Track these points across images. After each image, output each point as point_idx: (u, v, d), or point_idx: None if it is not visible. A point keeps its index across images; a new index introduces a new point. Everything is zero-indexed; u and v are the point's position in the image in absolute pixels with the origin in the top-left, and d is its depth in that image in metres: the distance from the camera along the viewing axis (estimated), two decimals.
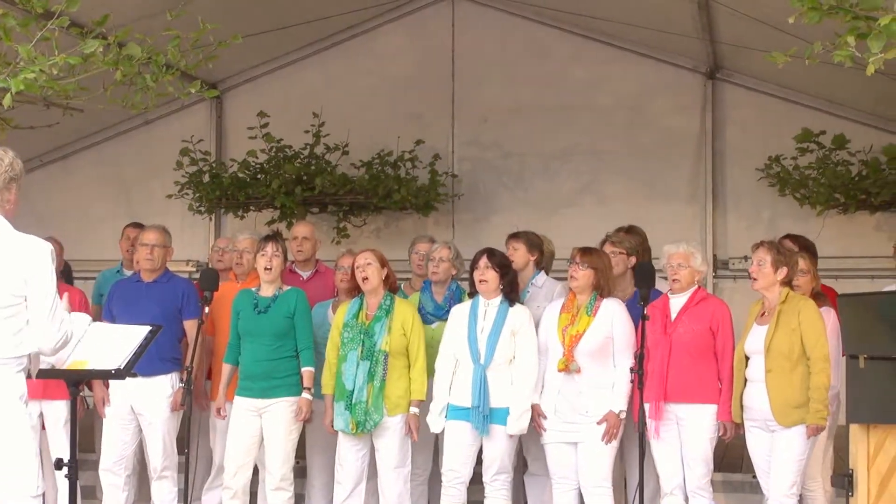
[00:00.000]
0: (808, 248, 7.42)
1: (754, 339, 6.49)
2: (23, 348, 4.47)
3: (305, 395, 7.04)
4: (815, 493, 6.85)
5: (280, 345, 7.07)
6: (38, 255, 4.49)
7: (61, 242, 7.81)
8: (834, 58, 5.55)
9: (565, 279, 7.30)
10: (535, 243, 7.38)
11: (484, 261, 6.89)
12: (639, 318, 6.64)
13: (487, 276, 6.86)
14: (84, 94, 6.82)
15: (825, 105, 9.90)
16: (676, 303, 6.77)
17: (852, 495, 5.39)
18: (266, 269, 7.13)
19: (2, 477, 4.38)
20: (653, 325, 6.72)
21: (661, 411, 6.64)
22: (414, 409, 6.93)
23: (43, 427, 7.40)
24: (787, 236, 7.51)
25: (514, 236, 7.41)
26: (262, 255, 7.15)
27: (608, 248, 7.24)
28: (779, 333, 6.38)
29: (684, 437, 6.67)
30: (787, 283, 6.51)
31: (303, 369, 7.06)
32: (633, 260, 7.22)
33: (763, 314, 6.56)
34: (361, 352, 6.92)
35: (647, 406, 6.66)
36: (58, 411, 7.29)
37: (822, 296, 6.93)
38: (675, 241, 6.91)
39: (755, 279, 6.53)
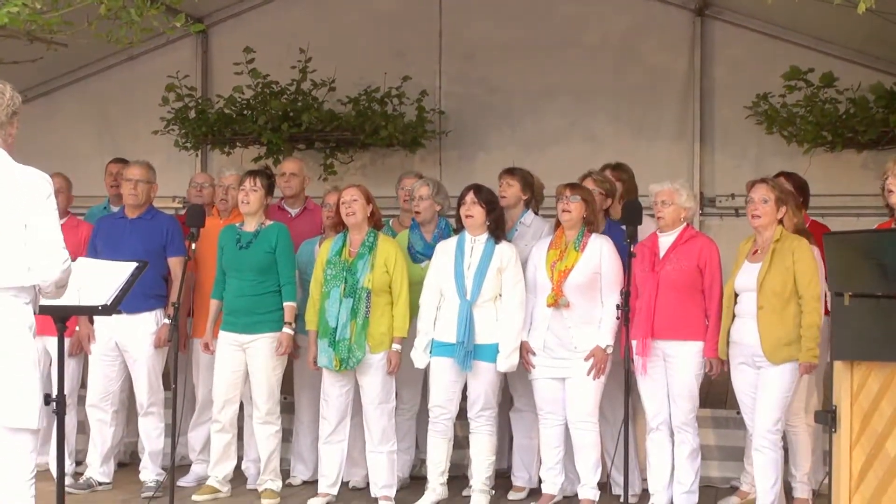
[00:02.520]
0: (801, 186, 7.45)
1: (745, 277, 6.52)
2: (31, 279, 4.46)
3: (286, 329, 7.06)
4: (798, 428, 6.91)
5: (262, 280, 7.08)
6: (40, 188, 4.49)
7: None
8: None
9: (552, 217, 7.31)
10: (528, 182, 7.38)
11: (471, 196, 6.89)
12: (626, 255, 6.66)
13: (473, 211, 6.87)
14: (68, 28, 6.75)
15: (814, 43, 9.84)
16: (665, 241, 6.79)
17: (835, 431, 5.43)
18: (243, 202, 7.14)
19: (6, 409, 4.38)
20: (641, 263, 6.75)
21: (649, 348, 6.69)
22: (396, 346, 6.96)
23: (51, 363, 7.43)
24: (781, 174, 7.50)
25: (510, 172, 7.39)
26: (241, 189, 7.17)
27: (589, 185, 7.24)
28: (772, 271, 6.41)
29: (671, 373, 6.72)
30: (781, 221, 6.54)
31: (284, 304, 7.08)
32: (609, 202, 7.26)
33: (755, 252, 6.57)
34: (344, 289, 6.94)
35: (634, 343, 6.70)
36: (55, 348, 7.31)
37: (807, 233, 6.94)
38: (660, 180, 6.93)
39: (757, 216, 6.53)
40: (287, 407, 7.50)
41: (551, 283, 6.81)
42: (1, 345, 4.39)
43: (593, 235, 6.88)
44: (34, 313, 4.60)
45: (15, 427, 4.41)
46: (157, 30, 7.08)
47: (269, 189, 7.26)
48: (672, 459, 6.81)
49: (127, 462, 8.08)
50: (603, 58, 10.41)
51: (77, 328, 7.43)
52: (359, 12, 10.67)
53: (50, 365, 7.45)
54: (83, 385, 7.78)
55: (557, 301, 6.78)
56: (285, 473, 7.53)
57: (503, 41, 10.50)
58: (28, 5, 6.15)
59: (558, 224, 6.97)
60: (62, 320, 5.19)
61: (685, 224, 6.84)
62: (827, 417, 5.41)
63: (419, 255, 7.30)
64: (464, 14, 10.53)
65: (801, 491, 6.98)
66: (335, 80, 10.13)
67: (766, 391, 6.45)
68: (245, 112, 10.12)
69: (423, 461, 7.31)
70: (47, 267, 4.49)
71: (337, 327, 6.91)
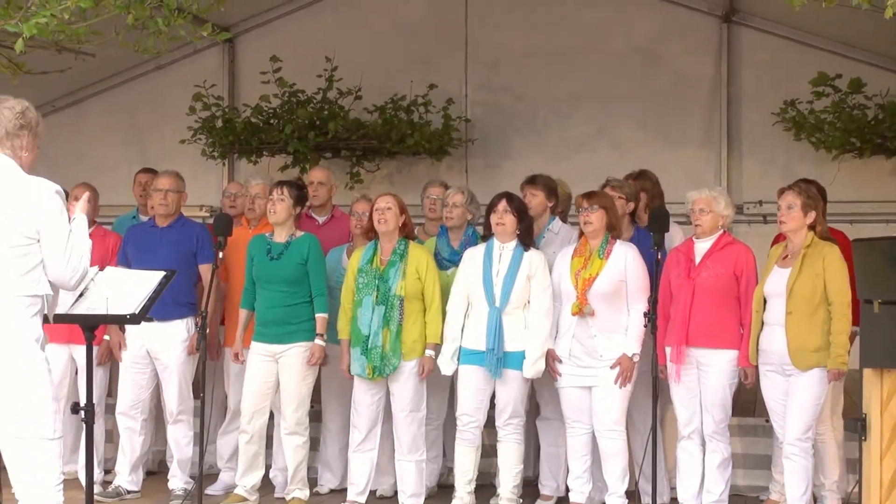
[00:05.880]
0: (820, 192, 7.41)
1: (775, 282, 6.49)
2: (36, 288, 4.49)
3: (318, 340, 7.07)
4: (825, 436, 6.87)
5: (294, 291, 7.08)
6: (46, 196, 4.52)
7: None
8: (852, 0, 5.50)
9: (577, 224, 7.29)
10: (552, 189, 7.36)
11: (503, 204, 6.88)
12: (653, 262, 6.64)
13: (505, 219, 6.86)
14: (96, 38, 6.79)
15: (841, 48, 9.81)
16: (701, 247, 6.77)
17: (865, 440, 5.40)
18: (270, 212, 7.16)
19: (18, 419, 4.41)
20: (676, 269, 6.74)
21: (683, 355, 6.66)
22: (429, 352, 6.96)
23: (77, 372, 7.47)
24: (802, 181, 7.48)
25: (532, 182, 7.37)
26: (270, 199, 7.18)
27: (608, 193, 7.22)
28: (802, 277, 6.38)
29: (704, 381, 6.69)
30: (812, 227, 6.51)
31: (316, 315, 7.08)
32: (631, 206, 7.23)
33: (786, 257, 6.56)
34: (377, 297, 6.94)
35: (668, 350, 6.68)
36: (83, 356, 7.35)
37: (832, 240, 6.90)
38: (686, 187, 6.92)
39: (783, 222, 6.52)
40: (314, 415, 7.50)
41: (576, 291, 6.80)
42: (9, 357, 4.41)
43: (618, 242, 6.86)
44: (47, 322, 4.62)
45: (29, 437, 4.43)
46: (183, 39, 7.10)
47: (299, 199, 7.25)
48: (702, 468, 6.78)
49: (155, 470, 8.10)
50: (629, 64, 10.40)
51: (106, 337, 7.46)
52: (384, 21, 10.70)
53: (76, 374, 7.50)
54: (110, 394, 7.81)
55: (582, 310, 6.77)
56: (312, 482, 7.53)
57: (528, 48, 10.51)
58: (56, 16, 6.18)
59: (582, 232, 6.95)
60: (90, 329, 5.21)
61: (722, 231, 6.81)
62: (857, 426, 5.38)
63: (446, 261, 7.30)
64: (489, 22, 10.54)
65: (831, 499, 6.93)
66: (361, 88, 10.16)
67: (797, 399, 6.41)
68: (272, 121, 10.15)
69: (451, 469, 7.30)
70: (58, 273, 4.55)
71: (369, 335, 6.92)
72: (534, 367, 6.80)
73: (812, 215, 6.52)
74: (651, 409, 6.58)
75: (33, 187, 4.53)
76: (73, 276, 4.58)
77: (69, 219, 4.63)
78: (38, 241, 4.50)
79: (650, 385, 6.57)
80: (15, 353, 4.43)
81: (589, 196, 6.91)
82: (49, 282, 4.56)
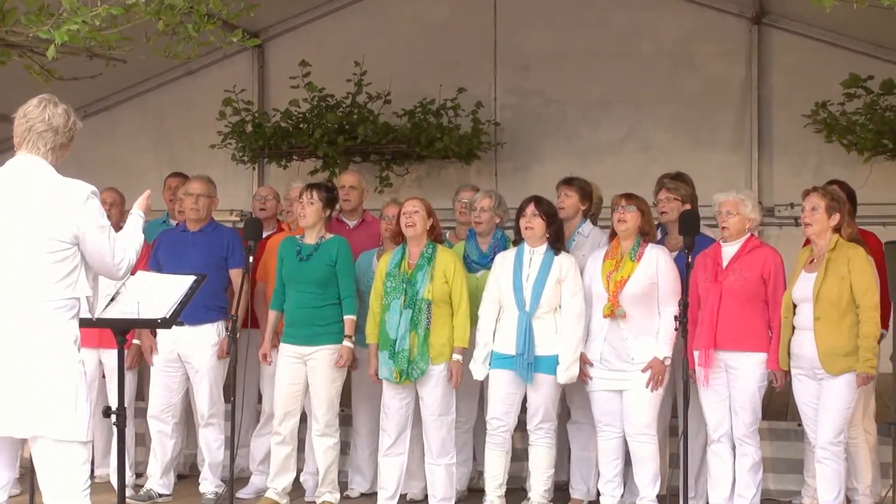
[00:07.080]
0: (850, 194, 7.37)
1: (802, 287, 6.45)
2: (73, 291, 4.52)
3: (346, 342, 7.08)
4: (857, 440, 6.83)
5: (322, 292, 7.10)
6: (81, 199, 4.54)
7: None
8: (883, 1, 5.47)
9: (607, 228, 7.27)
10: (587, 192, 7.34)
11: (531, 208, 6.88)
12: (684, 265, 6.61)
13: (534, 223, 6.85)
14: (127, 44, 6.81)
15: (873, 50, 9.75)
16: (728, 251, 6.74)
17: None
18: (300, 216, 7.19)
19: (54, 422, 4.43)
20: (704, 273, 6.71)
21: (711, 359, 6.63)
22: (457, 356, 6.96)
23: (103, 376, 7.51)
24: (833, 182, 7.45)
25: (568, 183, 7.35)
26: (299, 203, 7.21)
27: (663, 195, 7.19)
28: (828, 281, 6.34)
29: (733, 384, 6.66)
30: (837, 229, 6.46)
31: (344, 317, 7.10)
32: (687, 207, 7.17)
33: (812, 261, 6.52)
34: (404, 301, 6.94)
35: (696, 353, 6.66)
36: (115, 360, 7.36)
37: (861, 242, 6.86)
38: (716, 190, 6.89)
39: (808, 224, 6.48)
40: (345, 419, 7.52)
41: (607, 293, 6.78)
42: (46, 359, 4.43)
43: (649, 245, 6.85)
44: (90, 323, 4.66)
45: (64, 440, 4.46)
46: (213, 45, 7.13)
47: (329, 202, 7.27)
48: (733, 472, 6.75)
49: (186, 474, 8.13)
50: (658, 67, 10.37)
51: (136, 341, 7.50)
52: (413, 25, 10.71)
53: (102, 377, 7.52)
54: (141, 397, 7.85)
55: (614, 312, 6.75)
56: (343, 485, 7.55)
57: (557, 52, 10.50)
58: (87, 23, 6.21)
59: (613, 234, 6.94)
60: (122, 333, 5.24)
61: (749, 234, 6.78)
62: (890, 429, 5.35)
63: (475, 264, 7.30)
64: (518, 25, 10.54)
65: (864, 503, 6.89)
66: (390, 92, 10.17)
67: (827, 403, 6.38)
68: (301, 125, 10.18)
69: (481, 473, 7.29)
70: (106, 271, 4.65)
71: (397, 339, 6.93)
72: (567, 372, 6.79)
73: (836, 217, 6.46)
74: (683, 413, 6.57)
75: (69, 191, 4.55)
76: (121, 267, 4.68)
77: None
78: (76, 245, 4.52)
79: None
80: (52, 357, 4.45)
81: (627, 196, 6.90)
82: (89, 282, 4.60)
